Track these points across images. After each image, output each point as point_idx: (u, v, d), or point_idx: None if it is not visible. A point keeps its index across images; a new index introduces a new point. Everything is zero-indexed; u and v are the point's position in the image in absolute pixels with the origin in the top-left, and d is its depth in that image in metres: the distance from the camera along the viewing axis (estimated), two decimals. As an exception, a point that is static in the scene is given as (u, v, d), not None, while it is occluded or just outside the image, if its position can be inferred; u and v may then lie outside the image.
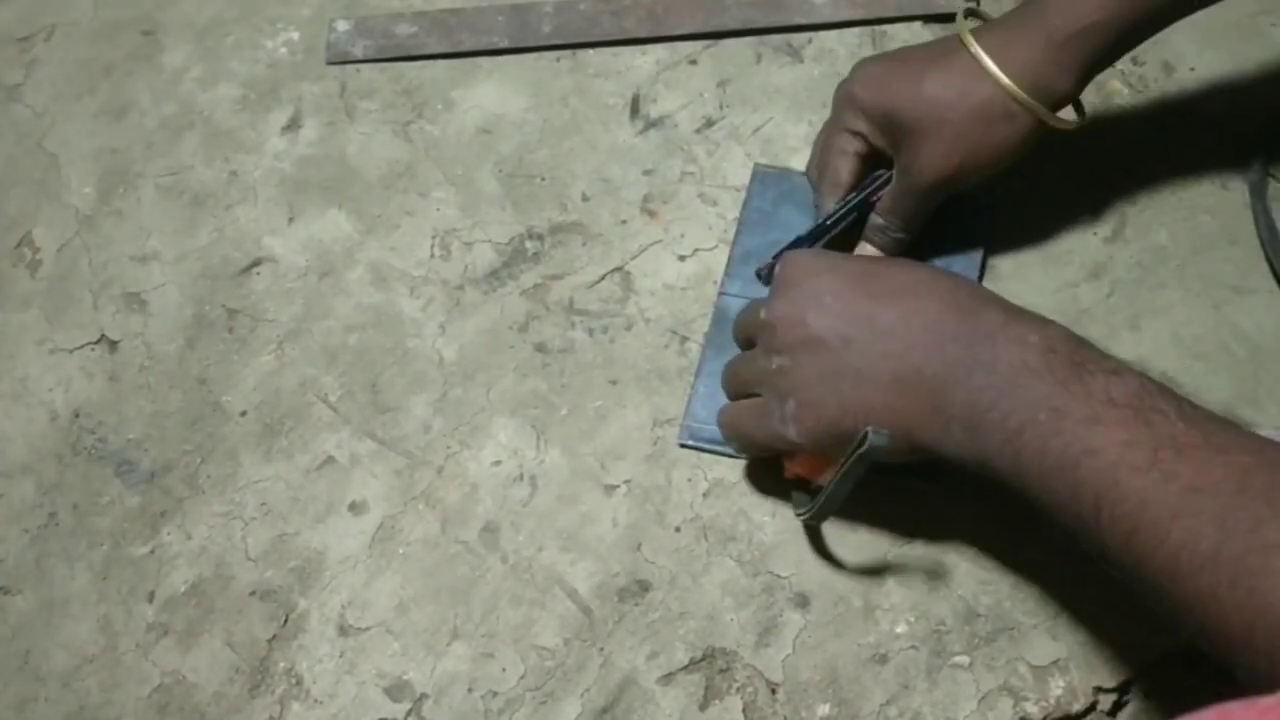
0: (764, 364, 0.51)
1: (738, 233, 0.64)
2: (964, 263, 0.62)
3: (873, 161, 0.59)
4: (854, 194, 0.60)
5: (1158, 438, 0.41)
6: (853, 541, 0.56)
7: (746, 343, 0.55)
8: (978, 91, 0.54)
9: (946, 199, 0.58)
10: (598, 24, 0.72)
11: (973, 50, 0.54)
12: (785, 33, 0.72)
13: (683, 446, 0.59)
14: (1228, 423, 0.42)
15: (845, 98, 0.58)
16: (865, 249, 0.60)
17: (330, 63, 0.73)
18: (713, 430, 0.58)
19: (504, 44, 0.72)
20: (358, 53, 0.73)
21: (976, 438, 0.45)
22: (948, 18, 0.71)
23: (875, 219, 0.59)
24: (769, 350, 0.51)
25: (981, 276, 0.62)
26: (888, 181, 0.59)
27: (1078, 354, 0.44)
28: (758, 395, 0.52)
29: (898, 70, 0.57)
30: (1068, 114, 0.56)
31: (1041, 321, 0.47)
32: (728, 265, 0.64)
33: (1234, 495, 0.38)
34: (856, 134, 0.58)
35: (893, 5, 0.72)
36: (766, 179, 0.66)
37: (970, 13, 0.57)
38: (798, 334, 0.50)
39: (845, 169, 0.59)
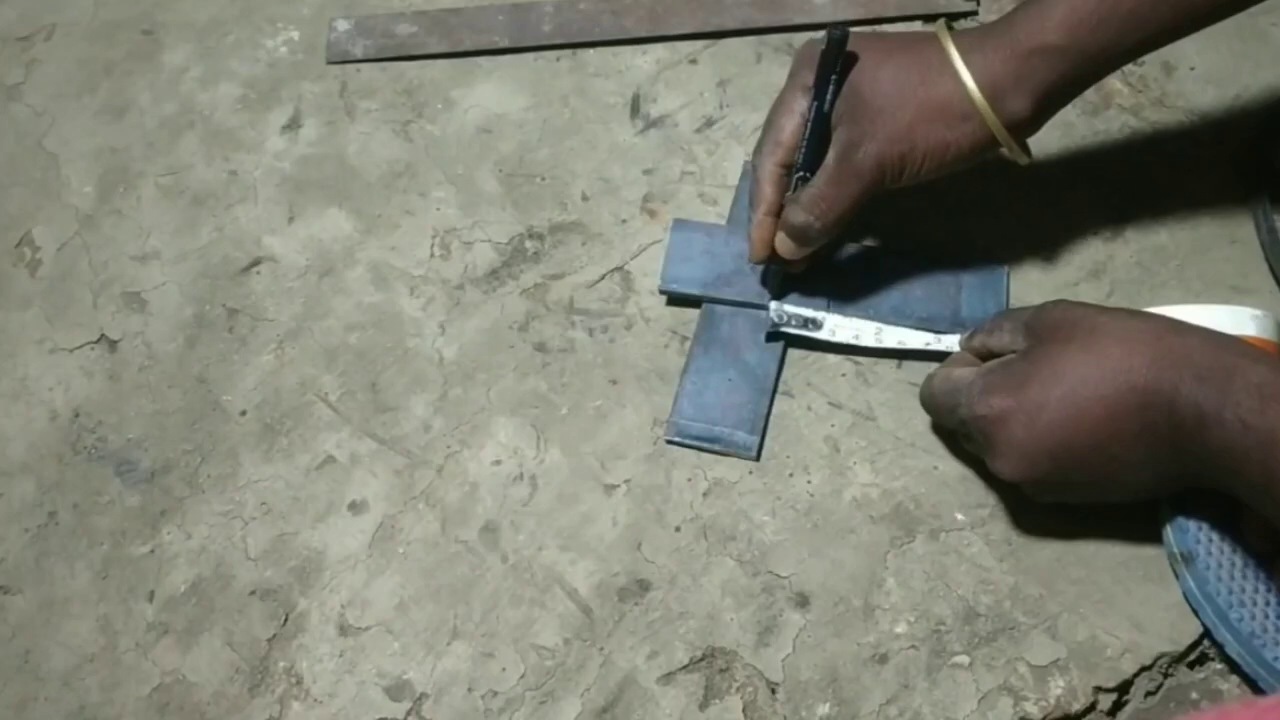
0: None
1: (726, 231, 0.64)
2: (989, 278, 0.61)
3: None
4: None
5: None
6: (853, 541, 0.56)
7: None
8: (939, 84, 0.53)
9: (874, 198, 0.55)
10: (598, 23, 0.72)
11: (944, 45, 0.54)
12: (785, 32, 0.72)
13: (669, 443, 0.59)
14: None
15: (805, 54, 0.57)
16: (783, 241, 0.57)
17: (330, 62, 0.73)
18: (700, 427, 0.58)
19: (504, 43, 0.72)
20: (358, 52, 0.73)
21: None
22: (948, 17, 0.71)
23: (796, 212, 0.55)
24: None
25: (1007, 291, 0.61)
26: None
27: None
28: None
29: (867, 44, 0.55)
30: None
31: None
32: None
33: None
34: (809, 90, 0.56)
35: (893, 5, 0.72)
36: None
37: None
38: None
39: (789, 127, 0.56)
